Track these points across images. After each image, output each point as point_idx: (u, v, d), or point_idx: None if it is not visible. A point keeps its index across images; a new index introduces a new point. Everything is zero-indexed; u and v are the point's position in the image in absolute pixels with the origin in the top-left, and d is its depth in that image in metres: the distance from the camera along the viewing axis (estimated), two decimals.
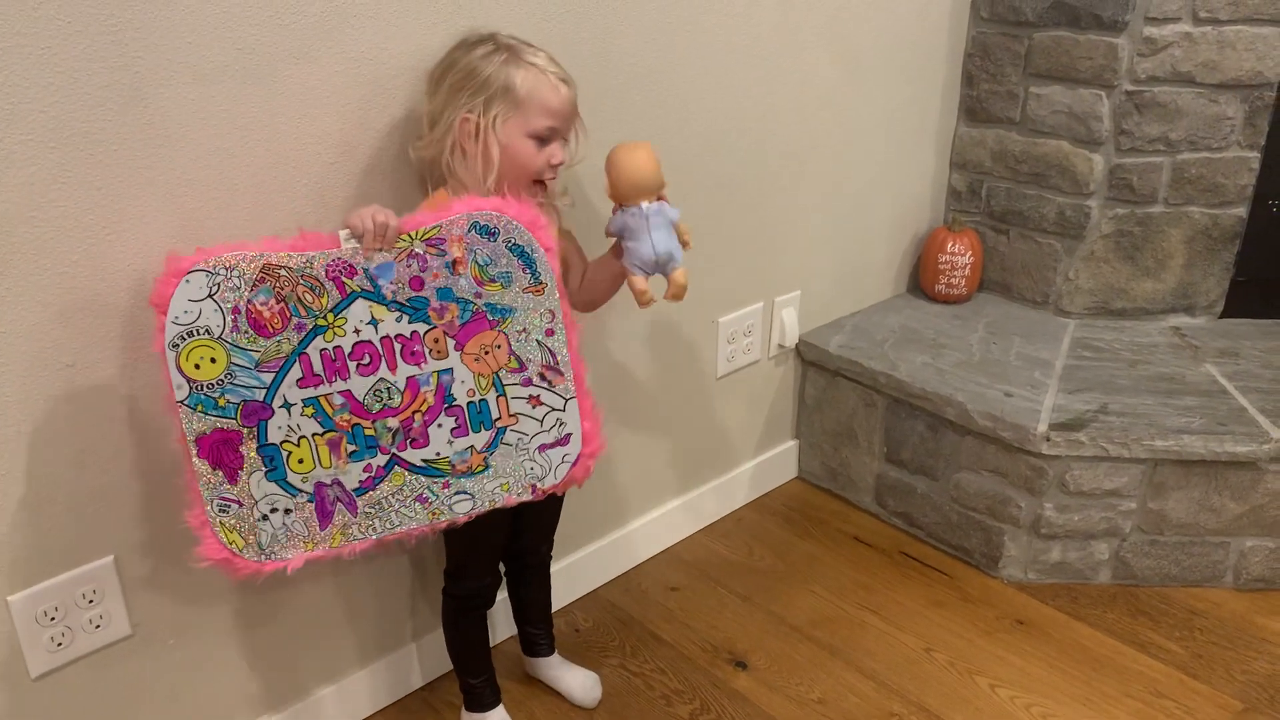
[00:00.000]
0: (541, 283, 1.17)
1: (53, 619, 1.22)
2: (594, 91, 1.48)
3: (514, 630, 1.67)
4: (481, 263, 1.15)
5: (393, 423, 1.17)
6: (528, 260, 1.16)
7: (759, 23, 1.74)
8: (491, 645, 1.57)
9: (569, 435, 1.23)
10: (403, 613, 1.60)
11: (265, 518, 1.15)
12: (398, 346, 1.15)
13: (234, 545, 1.15)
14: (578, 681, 1.60)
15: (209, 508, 1.13)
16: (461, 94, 1.21)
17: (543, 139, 1.23)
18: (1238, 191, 2.01)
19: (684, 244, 1.31)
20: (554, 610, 1.66)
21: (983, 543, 1.90)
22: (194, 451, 1.11)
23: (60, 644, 1.24)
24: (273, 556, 1.17)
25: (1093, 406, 1.82)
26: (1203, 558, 1.84)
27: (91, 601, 1.25)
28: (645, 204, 1.27)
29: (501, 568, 1.51)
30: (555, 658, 1.63)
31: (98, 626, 1.27)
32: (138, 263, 1.17)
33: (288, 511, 1.16)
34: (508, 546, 1.47)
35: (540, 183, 1.25)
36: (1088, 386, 1.89)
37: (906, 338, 2.08)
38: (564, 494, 1.39)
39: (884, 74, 2.02)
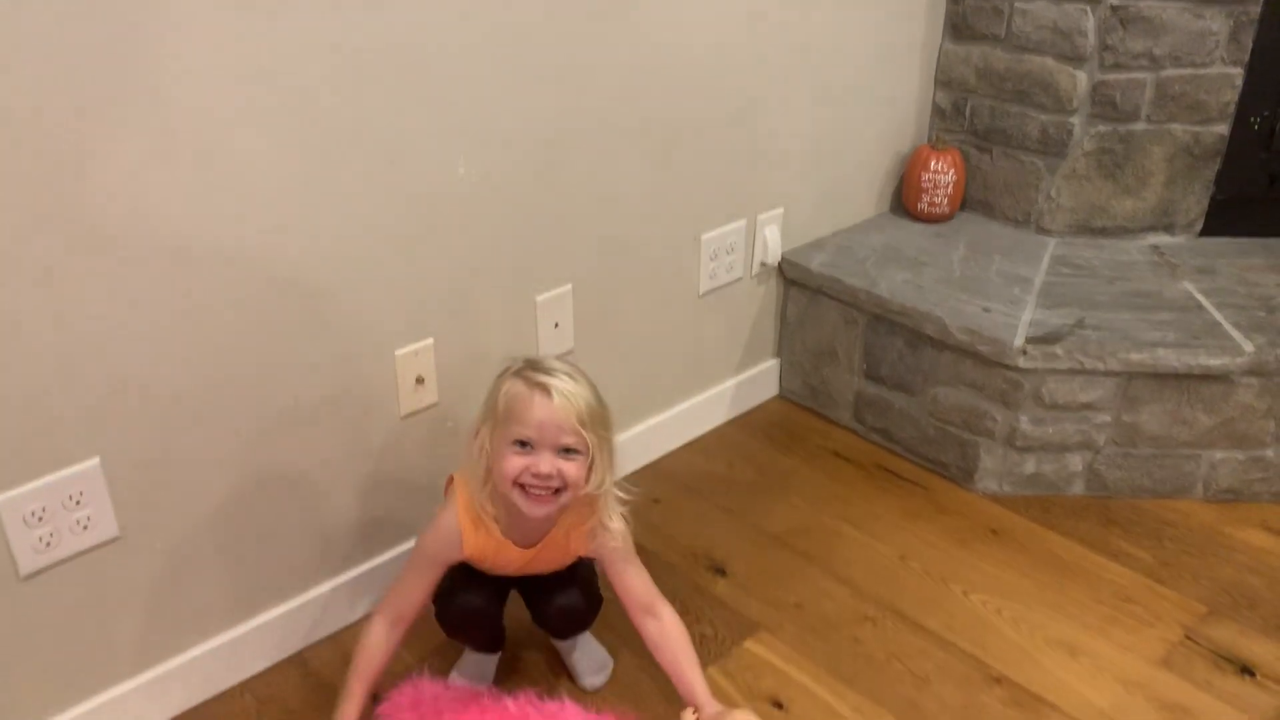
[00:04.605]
0: None
1: (40, 519, 1.24)
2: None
3: None
4: None
5: None
6: None
7: None
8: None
9: None
10: (388, 521, 1.62)
11: None
12: None
13: None
14: (585, 664, 1.53)
15: None
16: (483, 413, 1.29)
17: (525, 445, 1.24)
18: (1220, 109, 2.01)
19: None
20: None
21: (958, 456, 1.93)
22: None
23: (48, 544, 1.26)
24: None
25: (1069, 321, 1.84)
26: (1174, 470, 1.88)
27: (78, 503, 1.27)
28: None
29: None
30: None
31: (84, 528, 1.29)
32: (119, 169, 1.17)
33: None
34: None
35: (524, 489, 1.25)
36: (1065, 302, 1.91)
37: (888, 256, 2.09)
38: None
39: None
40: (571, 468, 1.24)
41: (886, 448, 2.06)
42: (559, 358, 1.31)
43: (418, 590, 1.35)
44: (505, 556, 1.35)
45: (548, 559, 1.38)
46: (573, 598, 1.43)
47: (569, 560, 1.40)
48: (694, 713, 1.33)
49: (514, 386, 1.25)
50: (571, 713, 1.41)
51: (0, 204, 1.10)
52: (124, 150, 1.17)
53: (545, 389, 1.23)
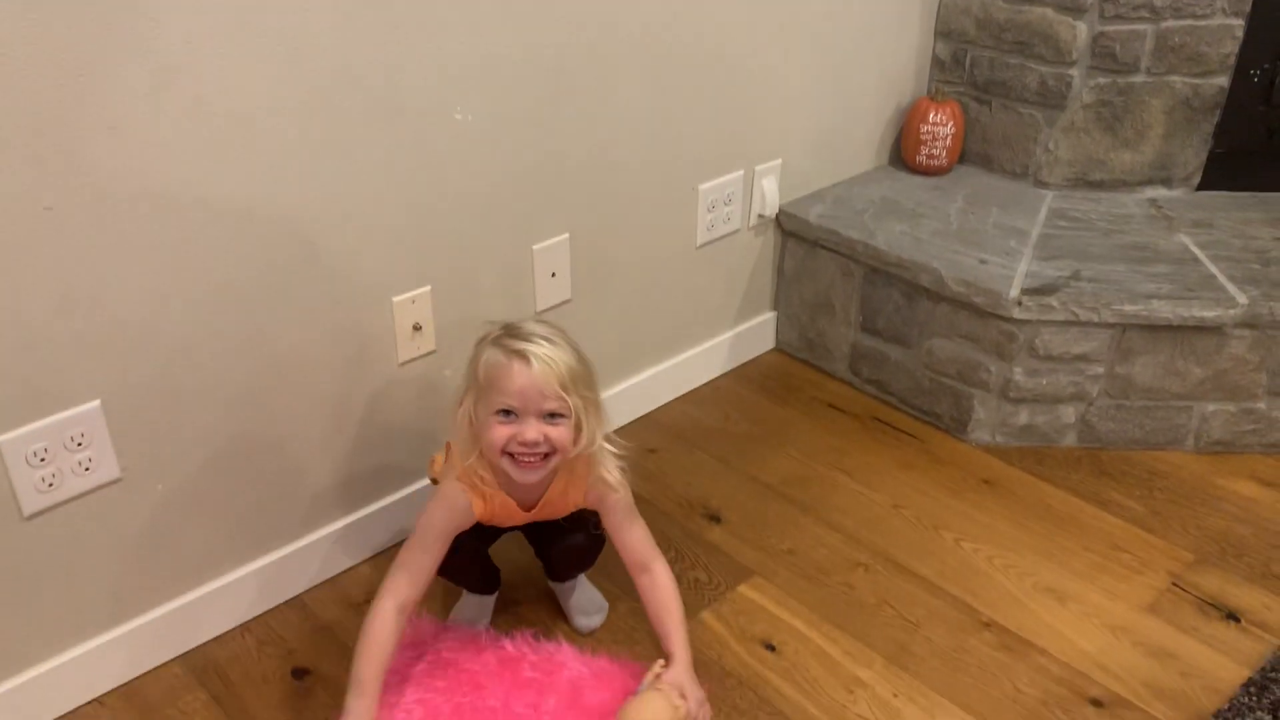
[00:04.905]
0: None
1: (42, 460, 1.26)
2: None
3: None
4: None
5: None
6: None
7: None
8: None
9: None
10: (386, 467, 1.64)
11: None
12: None
13: None
14: (581, 607, 1.55)
15: None
16: (465, 383, 1.29)
17: (509, 413, 1.23)
18: (1220, 61, 2.00)
19: None
20: None
21: (952, 407, 1.95)
22: None
23: (51, 484, 1.28)
24: None
25: (1065, 273, 1.85)
26: (1166, 421, 1.89)
27: (80, 445, 1.28)
28: None
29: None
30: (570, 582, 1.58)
31: (86, 469, 1.30)
32: (115, 109, 1.17)
33: None
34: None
35: (513, 456, 1.25)
36: (1061, 254, 1.91)
37: (886, 208, 2.09)
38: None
39: None
40: (557, 432, 1.25)
41: (881, 399, 2.08)
42: (538, 319, 1.29)
43: (426, 569, 1.32)
44: (510, 516, 1.37)
45: (549, 514, 1.40)
46: (576, 538, 1.44)
47: (570, 511, 1.41)
48: (663, 665, 1.35)
49: (493, 355, 1.25)
50: (567, 653, 1.43)
51: None
52: (119, 93, 1.17)
53: (524, 356, 1.22)
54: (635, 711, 1.30)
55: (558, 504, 1.37)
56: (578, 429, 1.27)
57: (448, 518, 1.33)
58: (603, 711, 1.35)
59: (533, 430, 1.24)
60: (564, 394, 1.23)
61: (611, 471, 1.34)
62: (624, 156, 1.75)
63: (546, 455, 1.26)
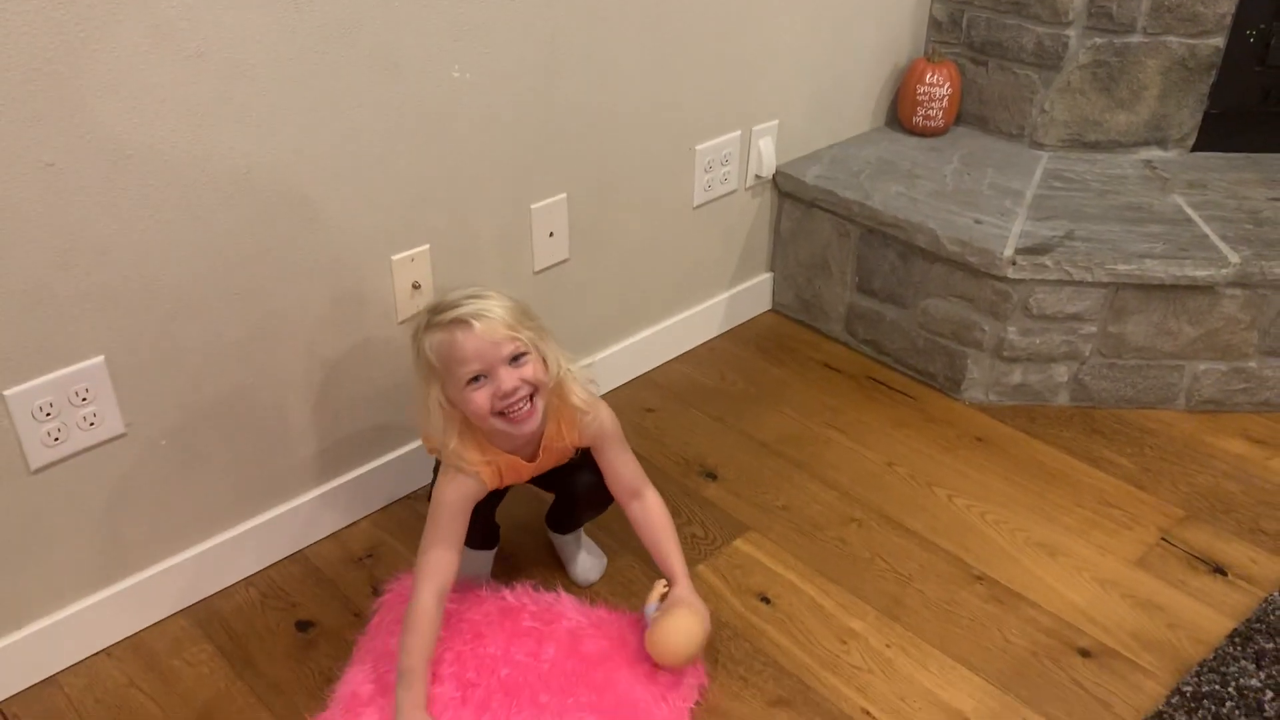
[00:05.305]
0: None
1: (48, 414, 1.28)
2: None
3: None
4: None
5: None
6: None
7: None
8: None
9: None
10: (388, 425, 1.66)
11: None
12: None
13: None
14: (581, 560, 1.57)
15: None
16: (421, 378, 1.30)
17: (477, 379, 1.24)
18: (1216, 20, 2.00)
19: None
20: None
21: (947, 366, 1.97)
22: None
23: (57, 439, 1.30)
24: None
25: (1059, 233, 1.86)
26: (1158, 380, 1.91)
27: (85, 400, 1.30)
28: None
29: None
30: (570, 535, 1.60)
31: (91, 424, 1.32)
32: (115, 65, 1.18)
33: None
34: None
35: (504, 414, 1.26)
36: (1056, 214, 1.93)
37: (882, 169, 2.10)
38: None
39: None
40: (528, 370, 1.26)
41: (876, 359, 2.09)
42: (455, 288, 1.29)
43: (453, 552, 1.33)
44: (518, 472, 1.38)
45: (553, 462, 1.41)
46: (585, 477, 1.45)
47: (571, 452, 1.42)
48: (665, 585, 1.40)
49: (433, 337, 1.26)
50: (566, 603, 1.46)
51: None
52: (118, 48, 1.18)
53: (462, 322, 1.24)
54: (667, 633, 1.34)
55: (556, 445, 1.38)
56: (542, 361, 1.29)
57: (461, 495, 1.34)
58: (601, 658, 1.38)
59: (507, 379, 1.25)
60: (515, 334, 1.25)
61: (580, 394, 1.35)
62: (622, 116, 1.76)
63: (532, 398, 1.27)
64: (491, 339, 1.24)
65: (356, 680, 1.35)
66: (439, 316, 1.26)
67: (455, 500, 1.33)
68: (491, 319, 1.24)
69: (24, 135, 1.15)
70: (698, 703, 1.37)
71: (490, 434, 1.32)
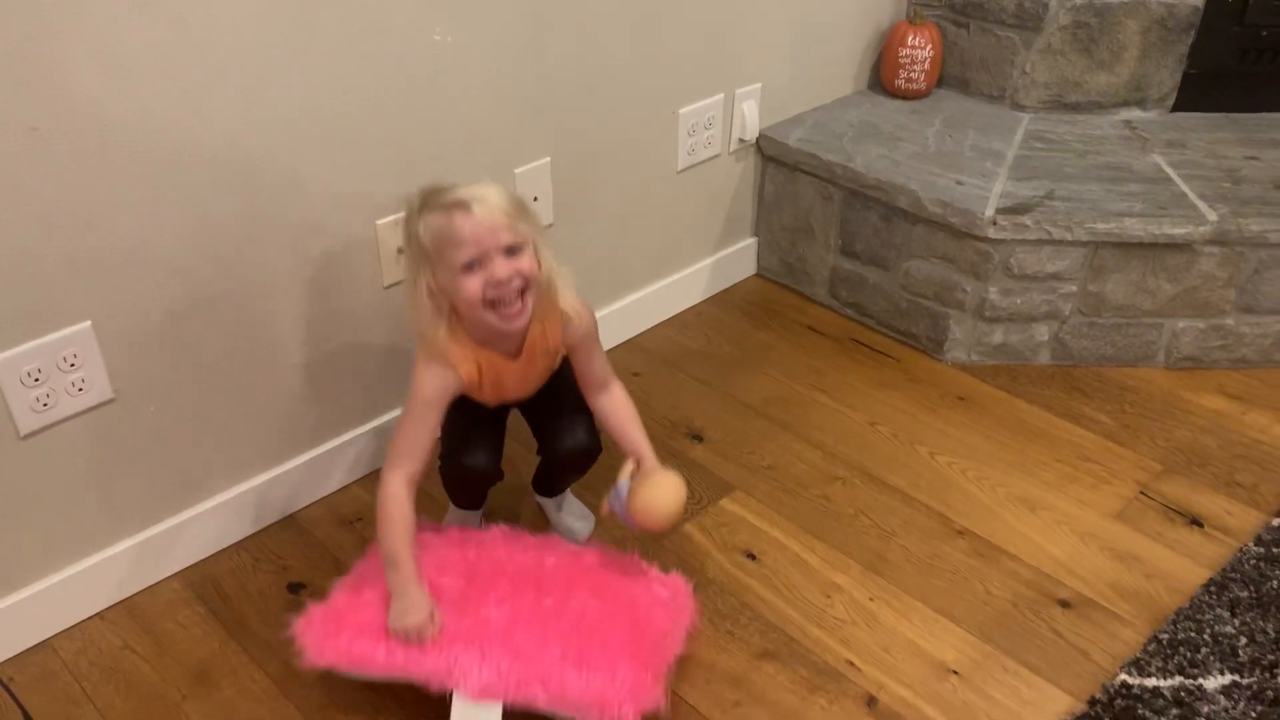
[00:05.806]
0: None
1: (37, 380, 1.28)
2: None
3: None
4: None
5: None
6: None
7: None
8: None
9: None
10: (375, 388, 1.67)
11: None
12: None
13: None
14: (569, 518, 1.61)
15: None
16: (413, 262, 1.27)
17: (471, 266, 1.23)
18: None
19: None
20: None
21: (929, 328, 1.99)
22: None
23: (46, 405, 1.31)
24: None
25: (1039, 193, 1.88)
26: (1137, 338, 1.94)
27: (73, 365, 1.31)
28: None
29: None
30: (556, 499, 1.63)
31: (80, 390, 1.33)
32: (95, 29, 1.18)
33: None
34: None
35: (493, 305, 1.25)
36: (1036, 175, 1.94)
37: (865, 132, 2.11)
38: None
39: None
40: (523, 263, 1.25)
41: (860, 321, 2.11)
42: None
43: (424, 439, 1.32)
44: (501, 372, 1.36)
45: (539, 364, 1.39)
46: (569, 440, 1.45)
47: (557, 359, 1.42)
48: (635, 464, 1.42)
49: (431, 219, 1.24)
50: (556, 540, 1.48)
51: None
52: (100, 13, 1.17)
53: (462, 204, 1.22)
54: (653, 491, 1.37)
55: (539, 346, 1.36)
56: (536, 259, 1.28)
57: (438, 387, 1.32)
58: (602, 566, 1.40)
59: (501, 268, 1.23)
60: (514, 224, 1.24)
61: (569, 299, 1.35)
62: (604, 79, 1.76)
63: (523, 292, 1.26)
64: (489, 225, 1.22)
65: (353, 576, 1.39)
66: (436, 199, 1.24)
67: (432, 392, 1.31)
68: (492, 204, 1.23)
69: (6, 99, 1.15)
70: (684, 656, 1.39)
71: (475, 328, 1.31)
